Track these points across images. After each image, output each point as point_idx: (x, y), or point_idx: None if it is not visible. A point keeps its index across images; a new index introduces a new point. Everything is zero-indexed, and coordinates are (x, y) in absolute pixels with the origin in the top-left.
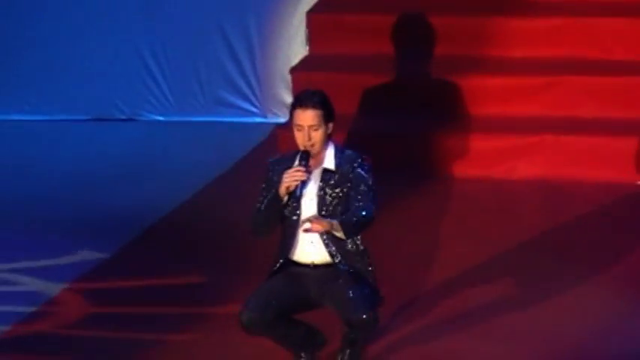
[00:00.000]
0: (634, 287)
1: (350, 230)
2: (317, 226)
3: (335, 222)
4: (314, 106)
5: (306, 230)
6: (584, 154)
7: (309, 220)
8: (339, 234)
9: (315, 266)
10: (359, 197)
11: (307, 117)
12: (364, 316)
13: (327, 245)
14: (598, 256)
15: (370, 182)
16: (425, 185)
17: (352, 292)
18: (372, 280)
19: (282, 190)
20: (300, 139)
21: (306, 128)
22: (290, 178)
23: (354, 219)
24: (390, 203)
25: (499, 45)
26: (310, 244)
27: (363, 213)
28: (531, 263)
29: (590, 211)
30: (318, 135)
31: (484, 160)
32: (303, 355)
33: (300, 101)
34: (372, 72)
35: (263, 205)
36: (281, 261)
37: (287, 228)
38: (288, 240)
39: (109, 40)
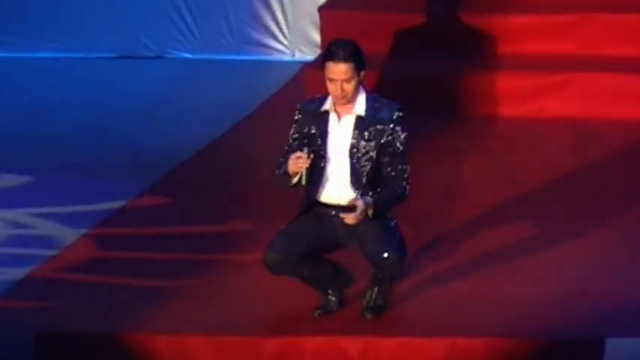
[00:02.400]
0: None
1: (381, 213)
2: (352, 220)
3: (369, 207)
4: (346, 60)
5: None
6: (613, 93)
7: (345, 216)
8: (370, 212)
9: (342, 208)
10: (392, 171)
11: (340, 70)
12: (389, 256)
13: (355, 191)
14: (626, 196)
15: (405, 142)
16: (453, 125)
17: (378, 233)
18: (398, 230)
19: (291, 173)
20: (334, 90)
21: (339, 81)
22: (293, 166)
23: (388, 203)
24: (419, 143)
25: None
26: (336, 187)
27: (397, 195)
28: (560, 204)
29: (620, 150)
30: (350, 86)
31: (513, 99)
32: (330, 292)
33: (332, 54)
34: (399, 12)
35: (281, 170)
36: (308, 202)
37: (314, 170)
38: (315, 182)
39: None
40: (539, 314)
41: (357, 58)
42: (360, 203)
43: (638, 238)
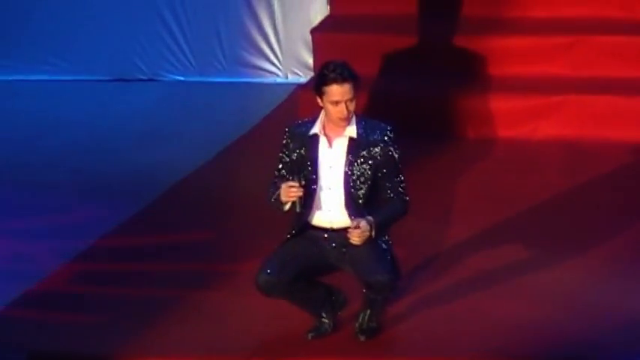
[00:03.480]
0: None
1: (383, 229)
2: (358, 239)
3: (371, 226)
4: (350, 79)
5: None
6: (606, 115)
7: (351, 235)
8: (372, 232)
9: (334, 230)
10: (390, 189)
11: (345, 91)
12: (382, 277)
13: (350, 214)
14: (621, 217)
15: (399, 159)
16: (445, 146)
17: (370, 254)
18: (392, 253)
19: (284, 201)
20: (340, 112)
21: (344, 102)
22: (286, 195)
23: (389, 221)
24: (412, 165)
25: (521, 5)
26: (328, 211)
27: (398, 212)
28: (553, 223)
29: (613, 171)
30: (353, 105)
31: (507, 121)
32: (324, 315)
33: (336, 76)
34: (392, 33)
35: (273, 198)
36: (299, 226)
37: (305, 193)
38: (307, 206)
39: (131, 1)
40: (534, 335)
41: (355, 77)
42: (363, 224)
43: (632, 260)
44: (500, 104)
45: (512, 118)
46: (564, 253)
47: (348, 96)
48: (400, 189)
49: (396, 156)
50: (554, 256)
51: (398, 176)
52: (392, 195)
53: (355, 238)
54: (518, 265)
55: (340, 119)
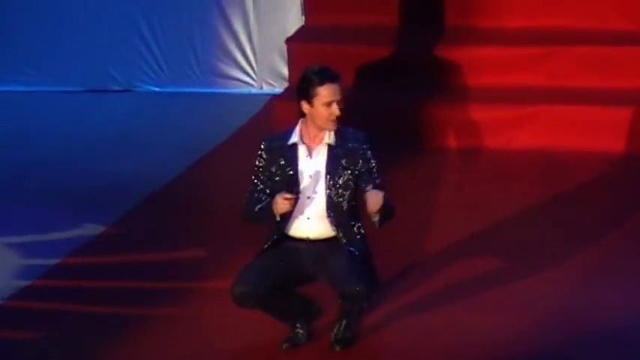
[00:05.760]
0: (633, 259)
1: (388, 217)
2: (378, 204)
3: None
4: (338, 79)
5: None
6: (581, 125)
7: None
8: (376, 219)
9: (311, 241)
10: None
11: (337, 90)
12: (357, 288)
13: (332, 223)
14: (595, 226)
15: (376, 159)
16: (422, 157)
17: (346, 265)
18: (370, 264)
19: (276, 213)
20: (334, 113)
21: (335, 102)
22: (281, 206)
23: (388, 209)
24: (388, 175)
25: (495, 16)
26: (307, 220)
27: (390, 206)
28: (529, 234)
29: (587, 181)
30: (343, 104)
31: (481, 131)
32: (298, 325)
33: (327, 76)
34: (367, 43)
35: (257, 208)
36: (275, 236)
37: None
38: (285, 215)
39: (104, 11)
40: (511, 346)
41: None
42: (374, 192)
43: (610, 269)
44: (476, 114)
45: (489, 128)
46: (541, 264)
47: (340, 96)
48: (384, 189)
49: (373, 156)
50: (530, 266)
51: (379, 178)
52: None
53: (375, 204)
54: (495, 276)
55: (333, 121)
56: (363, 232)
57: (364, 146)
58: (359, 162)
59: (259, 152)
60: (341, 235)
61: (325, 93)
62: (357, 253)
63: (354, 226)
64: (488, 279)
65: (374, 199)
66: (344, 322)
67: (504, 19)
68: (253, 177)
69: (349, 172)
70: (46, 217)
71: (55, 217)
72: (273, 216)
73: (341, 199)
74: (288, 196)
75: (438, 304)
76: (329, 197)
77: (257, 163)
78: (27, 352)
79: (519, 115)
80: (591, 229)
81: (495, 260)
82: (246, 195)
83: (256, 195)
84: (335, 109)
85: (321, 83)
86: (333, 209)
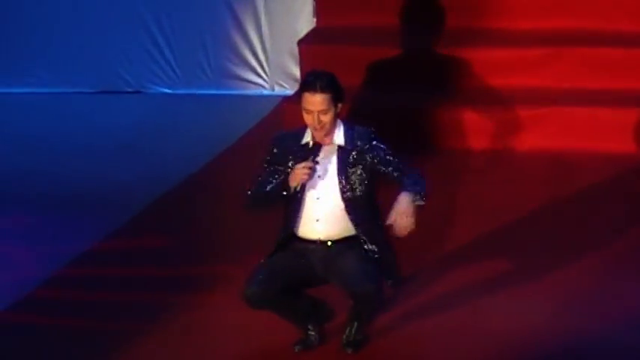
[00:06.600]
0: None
1: (424, 193)
2: (408, 226)
3: (412, 199)
4: (322, 90)
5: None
6: (589, 126)
7: (397, 225)
8: (419, 202)
9: (321, 243)
10: (392, 169)
11: (316, 101)
12: (367, 287)
13: (353, 222)
14: (606, 227)
15: (390, 149)
16: (430, 158)
17: (356, 265)
18: (392, 257)
19: (292, 184)
20: (310, 121)
21: (316, 112)
22: (299, 174)
23: (418, 185)
24: None
25: (503, 17)
26: (316, 222)
27: (419, 176)
28: (538, 237)
29: (597, 182)
30: (327, 118)
31: (489, 132)
32: (310, 327)
33: (309, 85)
34: (378, 45)
35: (269, 187)
36: (286, 237)
37: (291, 204)
38: (293, 216)
39: (115, 12)
40: (524, 348)
41: (333, 90)
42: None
43: (617, 272)
44: (484, 116)
45: (496, 130)
46: (546, 267)
47: (320, 107)
48: (407, 165)
49: (385, 146)
50: (536, 269)
51: (399, 159)
52: (404, 173)
53: (403, 228)
54: (506, 279)
55: (315, 129)
56: (381, 224)
57: (375, 144)
58: (367, 157)
59: (270, 147)
60: (361, 232)
61: (305, 100)
62: (375, 250)
63: (374, 220)
64: (500, 281)
65: (403, 221)
66: (355, 324)
67: (515, 21)
68: (260, 171)
69: (360, 166)
70: (53, 224)
71: (66, 221)
72: (289, 190)
73: (357, 193)
74: (306, 164)
75: (450, 307)
76: (345, 199)
77: (267, 157)
78: None
79: (527, 117)
80: (602, 231)
81: (506, 262)
82: (252, 181)
83: (266, 178)
84: (312, 119)
85: (303, 90)
86: (352, 208)
